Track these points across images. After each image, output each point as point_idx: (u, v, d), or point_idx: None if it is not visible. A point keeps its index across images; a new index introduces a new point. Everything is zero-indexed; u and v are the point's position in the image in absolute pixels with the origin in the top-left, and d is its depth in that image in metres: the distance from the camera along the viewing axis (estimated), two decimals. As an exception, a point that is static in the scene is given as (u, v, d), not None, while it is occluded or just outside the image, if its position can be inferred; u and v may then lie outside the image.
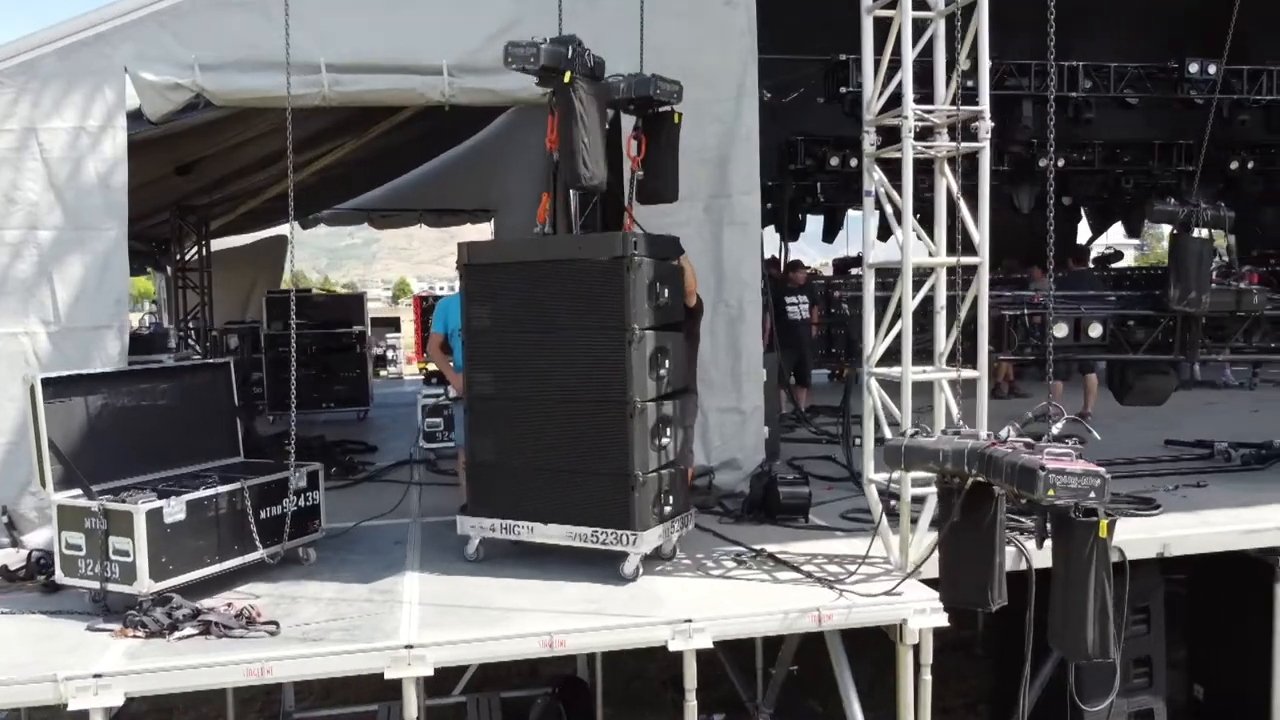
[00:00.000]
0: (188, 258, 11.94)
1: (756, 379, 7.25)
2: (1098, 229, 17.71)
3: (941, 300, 5.47)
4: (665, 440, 5.57)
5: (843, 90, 9.90)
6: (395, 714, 7.09)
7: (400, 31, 6.68)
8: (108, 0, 6.50)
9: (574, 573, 5.48)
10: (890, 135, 5.38)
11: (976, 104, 5.22)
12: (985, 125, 5.10)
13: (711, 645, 4.74)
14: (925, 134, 5.41)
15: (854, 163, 11.46)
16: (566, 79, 5.43)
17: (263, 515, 5.42)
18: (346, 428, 11.68)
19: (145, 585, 4.79)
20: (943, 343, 5.39)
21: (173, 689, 4.37)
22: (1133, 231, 19.27)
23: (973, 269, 5.30)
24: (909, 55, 5.07)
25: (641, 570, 5.43)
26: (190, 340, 11.86)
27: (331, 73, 6.57)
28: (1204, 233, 6.95)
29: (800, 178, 12.17)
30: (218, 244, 15.79)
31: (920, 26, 5.41)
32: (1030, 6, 13.88)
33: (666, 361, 5.58)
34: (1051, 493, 3.59)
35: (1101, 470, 3.69)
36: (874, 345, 5.42)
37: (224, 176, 11.75)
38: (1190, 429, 9.16)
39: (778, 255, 14.06)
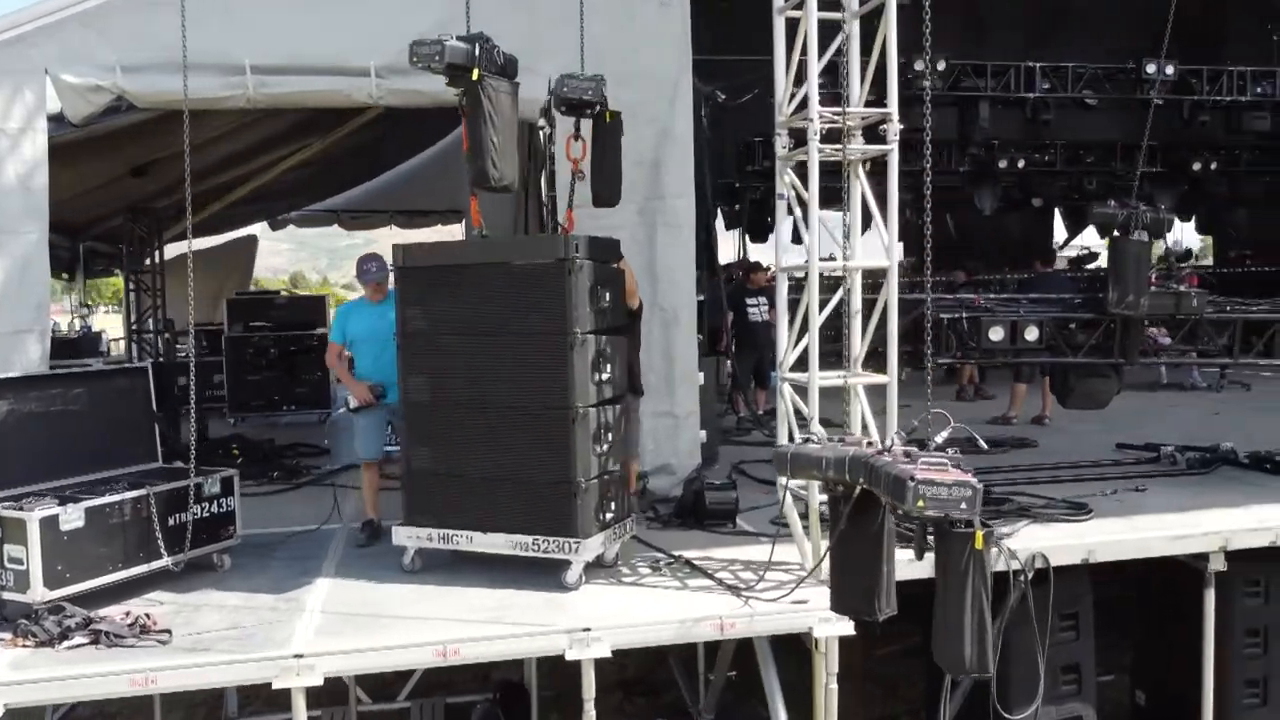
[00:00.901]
0: (143, 261, 11.88)
1: (691, 383, 7.19)
2: (1073, 230, 17.64)
3: (856, 304, 5.42)
4: (607, 446, 5.53)
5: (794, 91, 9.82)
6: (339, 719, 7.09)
7: (328, 33, 6.62)
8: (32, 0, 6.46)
9: (503, 580, 5.42)
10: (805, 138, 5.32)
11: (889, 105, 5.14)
12: (893, 128, 5.04)
13: (610, 654, 4.69)
14: (839, 136, 5.35)
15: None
16: (475, 76, 5.37)
17: (170, 522, 5.36)
18: (305, 430, 11.61)
19: (39, 593, 4.73)
20: (857, 347, 5.34)
21: (55, 699, 4.34)
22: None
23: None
24: (814, 57, 5.02)
25: (585, 578, 5.37)
26: (146, 343, 11.79)
27: (257, 74, 6.51)
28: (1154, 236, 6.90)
29: (762, 179, 12.10)
30: (197, 243, 15.74)
31: (836, 28, 5.37)
32: (992, 8, 13.88)
33: (608, 366, 5.55)
34: (921, 504, 3.53)
35: (973, 480, 3.62)
36: (787, 350, 5.35)
37: (184, 178, 11.66)
38: (1150, 431, 9.08)
39: (746, 257, 13.99)
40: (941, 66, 9.86)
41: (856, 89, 5.30)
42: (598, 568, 5.66)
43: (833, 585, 4.55)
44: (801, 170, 5.31)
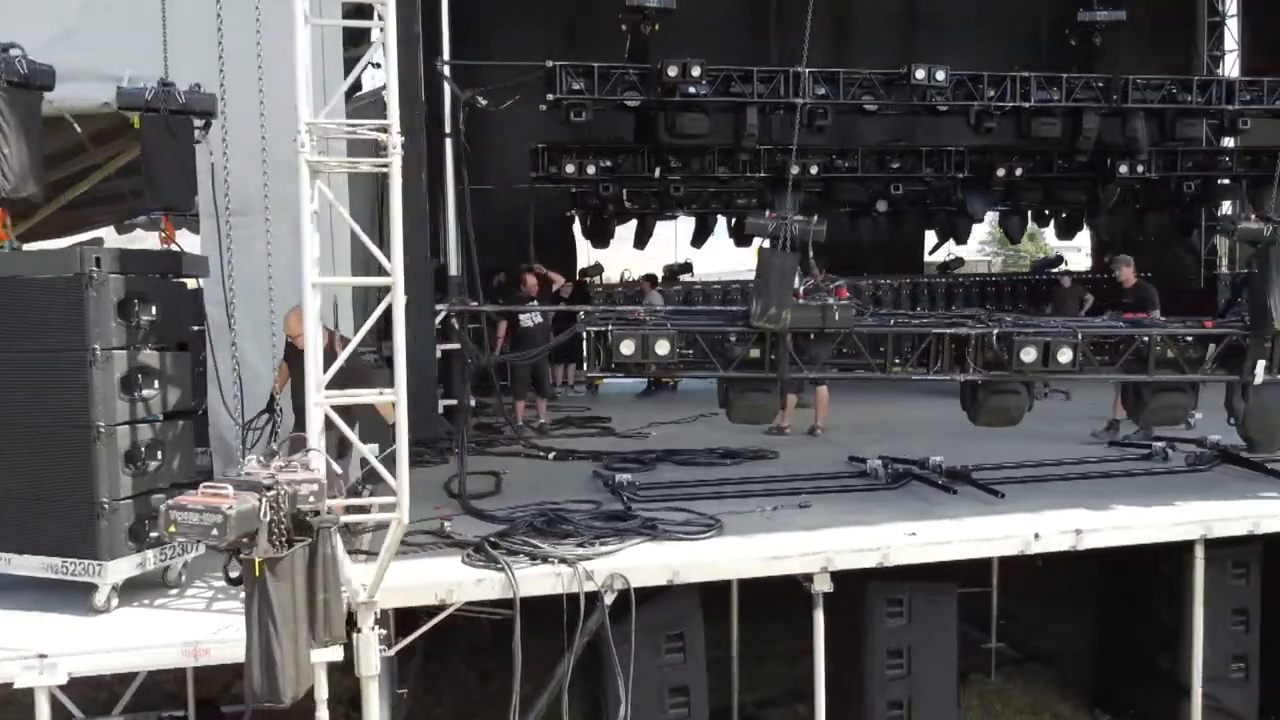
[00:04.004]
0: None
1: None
2: (943, 235, 17.49)
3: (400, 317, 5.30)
4: (155, 464, 5.43)
5: (549, 96, 9.73)
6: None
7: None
8: None
9: (48, 603, 5.28)
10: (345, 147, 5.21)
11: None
12: (394, 140, 4.90)
13: (66, 681, 4.57)
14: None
15: (590, 170, 11.31)
16: None
17: None
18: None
19: None
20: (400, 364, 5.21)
21: None
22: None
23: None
24: (304, 65, 4.88)
25: (116, 601, 5.25)
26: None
27: None
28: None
29: (551, 182, 11.97)
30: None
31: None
32: (748, 14, 13.76)
33: (155, 382, 5.43)
34: (172, 529, 3.42)
35: (225, 506, 3.50)
36: (317, 367, 5.20)
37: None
38: (925, 443, 8.83)
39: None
40: (696, 72, 9.69)
41: (395, 98, 5.12)
42: (160, 587, 5.57)
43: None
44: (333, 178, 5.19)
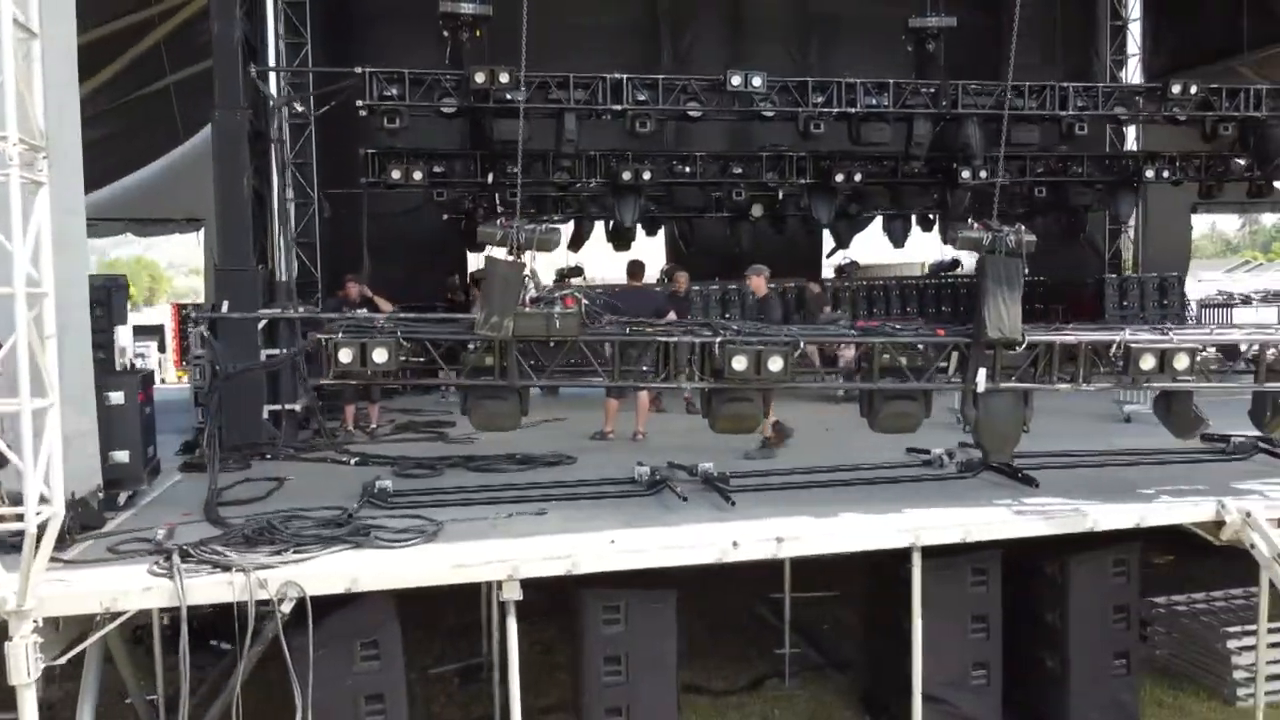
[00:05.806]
0: None
1: (83, 402, 7.07)
2: (839, 240, 17.51)
3: (50, 328, 5.34)
4: None
5: (359, 103, 9.75)
6: None
7: None
8: None
9: None
10: None
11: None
12: (10, 151, 4.91)
13: None
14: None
15: (417, 175, 11.33)
16: None
17: None
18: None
19: None
20: (52, 373, 5.25)
21: None
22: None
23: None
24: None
25: None
26: None
27: None
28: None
29: (380, 188, 11.97)
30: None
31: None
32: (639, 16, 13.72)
33: None
34: None
35: None
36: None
37: None
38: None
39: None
40: (505, 79, 9.70)
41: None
42: None
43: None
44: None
